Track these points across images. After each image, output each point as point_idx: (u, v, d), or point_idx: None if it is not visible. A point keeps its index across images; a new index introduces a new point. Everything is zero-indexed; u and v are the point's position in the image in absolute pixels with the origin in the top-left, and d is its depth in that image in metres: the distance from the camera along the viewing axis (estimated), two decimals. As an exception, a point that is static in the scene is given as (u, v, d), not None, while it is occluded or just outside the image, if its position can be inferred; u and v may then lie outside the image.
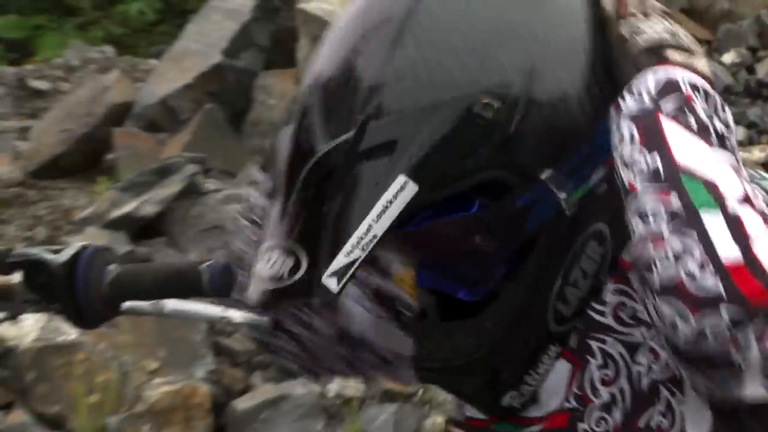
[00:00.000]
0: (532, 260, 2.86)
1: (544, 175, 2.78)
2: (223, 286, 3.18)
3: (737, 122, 9.45)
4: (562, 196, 2.79)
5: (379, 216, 2.66)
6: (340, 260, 2.73)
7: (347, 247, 2.71)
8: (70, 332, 6.85)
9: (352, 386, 7.34)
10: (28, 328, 7.14)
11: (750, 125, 9.76)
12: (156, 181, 8.70)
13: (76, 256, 3.06)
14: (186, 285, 3.22)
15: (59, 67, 12.04)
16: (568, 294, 2.87)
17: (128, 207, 8.56)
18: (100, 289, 3.12)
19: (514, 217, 2.78)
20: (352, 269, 2.69)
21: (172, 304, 3.25)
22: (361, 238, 2.71)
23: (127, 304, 3.20)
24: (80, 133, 9.71)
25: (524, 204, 2.78)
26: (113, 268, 3.15)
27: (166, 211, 8.53)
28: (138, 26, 13.13)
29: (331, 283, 2.67)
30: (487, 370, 3.01)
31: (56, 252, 3.11)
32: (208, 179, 8.67)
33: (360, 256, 2.67)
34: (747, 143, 9.42)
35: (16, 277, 3.12)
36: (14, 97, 11.62)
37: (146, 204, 8.53)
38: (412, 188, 2.65)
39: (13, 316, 3.30)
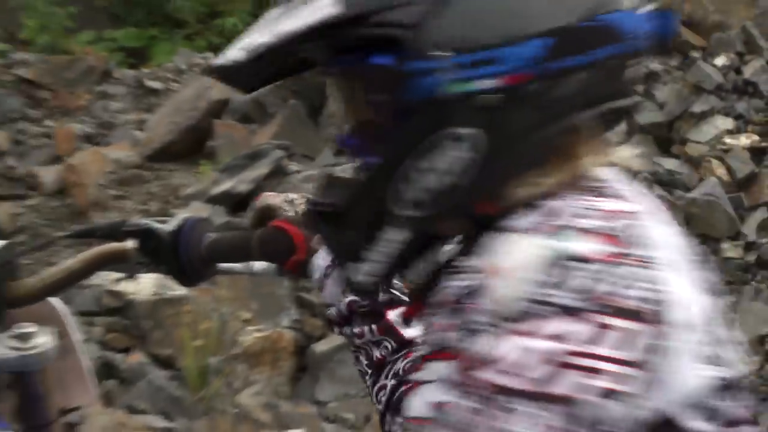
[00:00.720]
0: (395, 132, 2.71)
1: (440, 53, 2.62)
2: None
3: (727, 115, 9.60)
4: (444, 78, 2.61)
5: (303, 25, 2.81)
6: None
7: None
8: (179, 288, 6.98)
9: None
10: (145, 284, 7.24)
11: (738, 117, 9.81)
12: (249, 164, 8.80)
13: (180, 226, 3.21)
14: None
15: (170, 70, 12.17)
16: (412, 177, 2.67)
17: (226, 185, 8.67)
18: (199, 253, 3.27)
19: (399, 78, 2.58)
20: None
21: (258, 265, 3.38)
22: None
23: (223, 265, 3.37)
24: (186, 124, 9.89)
25: (410, 70, 2.58)
26: (210, 236, 3.31)
27: (257, 189, 8.52)
28: (232, 36, 13.20)
29: None
30: (342, 227, 3.21)
31: (163, 222, 3.27)
32: (292, 162, 8.77)
33: None
34: (735, 132, 9.50)
35: (131, 244, 3.27)
36: (133, 95, 11.77)
37: (241, 183, 8.63)
38: (334, 9, 2.54)
39: (131, 276, 3.44)
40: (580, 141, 2.62)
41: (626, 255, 2.46)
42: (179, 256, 3.25)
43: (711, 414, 2.50)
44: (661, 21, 2.76)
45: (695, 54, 10.20)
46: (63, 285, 3.19)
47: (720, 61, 10.42)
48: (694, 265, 2.60)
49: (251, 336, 7.40)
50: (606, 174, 2.67)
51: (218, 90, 9.88)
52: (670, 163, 9.00)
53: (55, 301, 3.23)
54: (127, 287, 7.36)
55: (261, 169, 8.58)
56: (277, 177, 8.50)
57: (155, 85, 11.62)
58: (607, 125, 2.68)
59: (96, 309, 7.48)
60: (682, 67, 10.30)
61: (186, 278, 3.24)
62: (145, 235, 3.28)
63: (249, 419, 7.02)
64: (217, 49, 12.75)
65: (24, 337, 3.12)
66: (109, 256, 3.31)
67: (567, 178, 2.61)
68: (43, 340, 3.12)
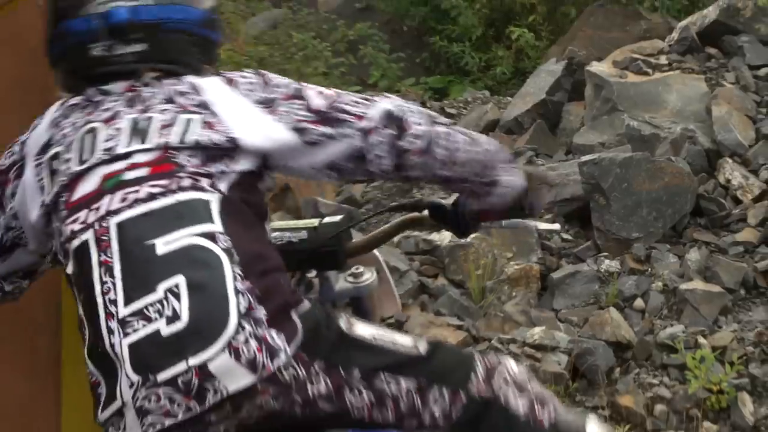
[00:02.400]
0: None
1: None
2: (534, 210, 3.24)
3: None
4: None
5: None
6: None
7: None
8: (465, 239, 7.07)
9: (612, 264, 7.58)
10: (445, 235, 7.33)
11: None
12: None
13: (455, 201, 3.23)
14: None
15: (461, 102, 12.00)
16: None
17: None
18: (467, 214, 3.25)
19: None
20: None
21: (515, 221, 3.38)
22: None
23: (486, 223, 3.37)
24: None
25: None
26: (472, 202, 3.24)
27: None
28: (502, 80, 13.15)
29: None
30: None
31: (444, 199, 3.30)
32: (538, 158, 8.78)
33: None
34: None
35: (426, 213, 3.38)
36: None
37: None
38: None
39: (430, 232, 3.52)
40: None
41: None
42: (458, 219, 3.30)
43: None
44: None
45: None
46: (381, 241, 3.43)
47: None
48: None
49: (512, 267, 7.45)
50: None
51: (492, 113, 9.94)
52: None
53: (376, 252, 3.43)
54: (434, 237, 7.45)
55: (519, 162, 8.67)
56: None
57: (452, 111, 11.53)
58: None
59: (414, 250, 7.55)
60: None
61: (461, 233, 3.38)
62: (436, 208, 3.33)
63: (511, 320, 7.10)
64: (490, 89, 12.80)
65: (357, 275, 3.34)
66: (411, 222, 3.50)
67: None
68: (369, 276, 3.35)
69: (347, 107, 2.68)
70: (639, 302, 7.15)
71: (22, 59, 3.25)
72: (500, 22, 13.75)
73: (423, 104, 12.16)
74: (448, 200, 3.32)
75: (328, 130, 2.65)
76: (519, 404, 2.63)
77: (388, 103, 2.72)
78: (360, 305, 3.34)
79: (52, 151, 2.64)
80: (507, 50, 13.46)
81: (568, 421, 2.73)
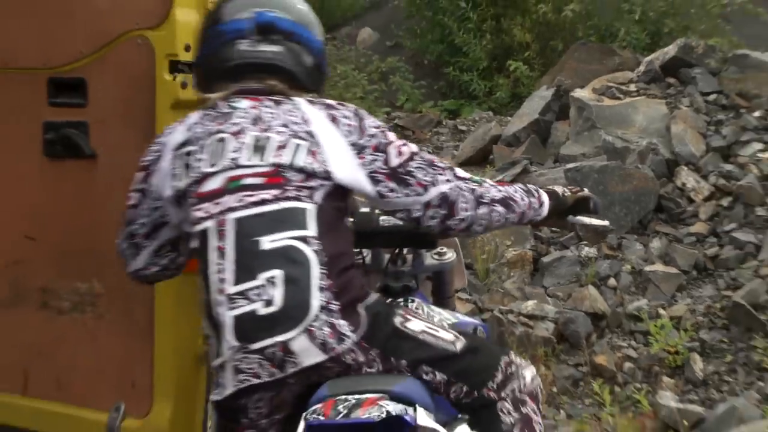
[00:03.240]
0: None
1: None
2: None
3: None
4: None
5: None
6: None
7: None
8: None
9: (591, 251, 7.60)
10: None
11: None
12: (510, 168, 8.57)
13: None
14: None
15: (470, 120, 11.93)
16: None
17: (498, 178, 8.64)
18: None
19: None
20: None
21: (579, 218, 3.25)
22: None
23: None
24: (479, 147, 9.62)
25: None
26: None
27: (514, 180, 8.21)
28: (503, 103, 13.03)
29: None
30: None
31: None
32: (532, 167, 8.75)
33: None
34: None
35: None
36: (452, 133, 11.46)
37: (507, 176, 8.35)
38: None
39: None
40: None
41: None
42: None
43: None
44: None
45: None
46: None
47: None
48: None
49: (510, 253, 7.37)
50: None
51: (495, 130, 9.86)
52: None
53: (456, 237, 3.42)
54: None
55: (516, 170, 8.60)
56: (524, 174, 8.51)
57: (463, 128, 11.48)
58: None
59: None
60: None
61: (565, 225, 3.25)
62: None
63: (509, 295, 7.05)
64: (494, 110, 12.72)
65: (441, 254, 3.39)
66: None
67: None
68: (450, 255, 3.41)
69: (415, 173, 2.72)
70: (612, 281, 7.15)
71: (125, 83, 3.27)
72: (501, 57, 13.70)
73: (439, 122, 12.10)
74: None
75: (395, 186, 2.70)
76: (508, 419, 2.71)
77: (445, 185, 2.74)
78: (441, 278, 3.44)
79: (187, 149, 2.69)
80: (507, 79, 13.41)
81: None
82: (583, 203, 3.13)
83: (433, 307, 2.83)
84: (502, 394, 2.70)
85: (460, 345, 2.65)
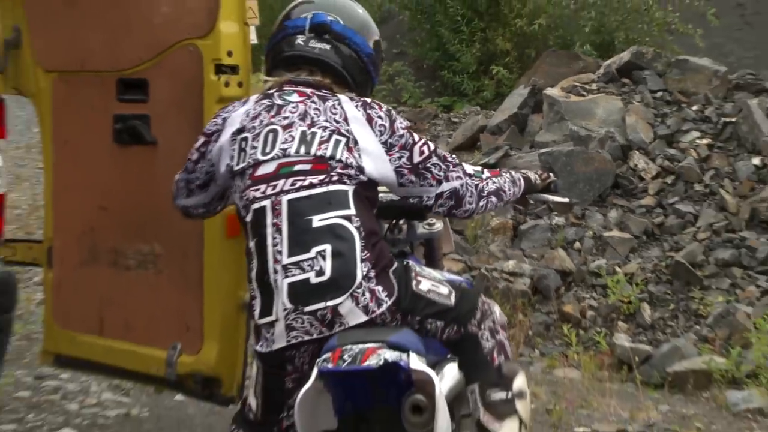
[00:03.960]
0: None
1: None
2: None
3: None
4: None
5: None
6: None
7: None
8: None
9: (560, 220, 7.57)
10: None
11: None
12: (494, 152, 8.55)
13: None
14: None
15: (461, 114, 11.69)
16: None
17: (484, 161, 8.20)
18: None
19: None
20: None
21: (543, 196, 3.24)
22: None
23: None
24: (468, 136, 9.54)
25: None
26: None
27: (497, 163, 8.19)
28: (488, 100, 12.83)
29: None
30: None
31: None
32: (512, 152, 8.63)
33: None
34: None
35: None
36: (446, 125, 11.27)
37: (491, 159, 8.24)
38: None
39: None
40: None
41: None
42: None
43: None
44: None
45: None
46: None
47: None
48: None
49: (494, 221, 7.41)
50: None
51: (482, 121, 9.68)
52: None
53: None
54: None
55: (499, 154, 8.52)
56: (505, 157, 8.48)
57: (456, 120, 11.39)
58: None
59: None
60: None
61: (534, 203, 3.30)
62: None
63: (493, 256, 7.03)
64: (481, 106, 12.65)
65: (431, 224, 3.33)
66: None
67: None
68: (438, 225, 3.34)
69: (432, 168, 2.71)
70: (577, 244, 7.17)
71: (179, 83, 3.27)
72: (487, 62, 13.68)
73: (436, 116, 12.02)
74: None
75: (414, 178, 2.70)
76: (487, 345, 2.76)
77: (456, 182, 2.75)
78: (431, 244, 3.39)
79: (243, 135, 2.67)
80: (491, 80, 13.38)
81: (509, 366, 2.80)
82: (548, 186, 3.14)
83: (425, 268, 2.81)
84: (482, 327, 2.75)
85: (453, 298, 2.66)
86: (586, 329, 6.32)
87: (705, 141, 7.77)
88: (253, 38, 11.55)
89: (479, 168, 2.89)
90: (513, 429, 2.66)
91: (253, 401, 2.61)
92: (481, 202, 2.79)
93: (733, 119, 7.80)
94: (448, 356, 2.72)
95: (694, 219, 7.12)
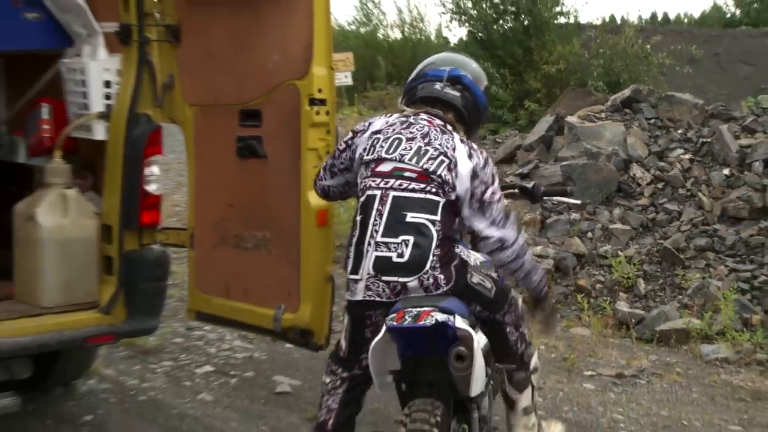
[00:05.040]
0: None
1: None
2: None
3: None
4: None
5: None
6: None
7: None
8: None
9: (576, 216, 7.45)
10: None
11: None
12: (525, 165, 8.41)
13: (534, 184, 3.17)
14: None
15: (503, 136, 11.56)
16: None
17: (518, 171, 8.74)
18: (536, 194, 3.16)
19: None
20: None
21: (558, 198, 3.35)
22: None
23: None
24: (507, 152, 9.36)
25: None
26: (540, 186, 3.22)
27: (529, 174, 8.29)
28: (523, 126, 12.60)
29: None
30: None
31: (527, 184, 3.18)
32: (541, 164, 8.48)
33: None
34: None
35: (516, 190, 3.21)
36: (492, 143, 10.97)
37: (524, 170, 8.71)
38: None
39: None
40: None
41: None
42: (535, 196, 3.13)
43: None
44: None
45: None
46: None
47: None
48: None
49: (527, 216, 7.24)
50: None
51: (518, 141, 9.50)
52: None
53: None
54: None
55: (531, 165, 8.32)
56: (535, 169, 8.32)
57: (499, 140, 11.03)
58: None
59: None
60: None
61: (534, 202, 3.29)
62: (522, 188, 3.17)
63: (526, 242, 7.08)
64: (518, 129, 12.42)
65: None
66: (510, 194, 3.19)
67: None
68: None
69: (494, 210, 2.62)
70: (589, 234, 7.04)
71: (283, 112, 3.28)
72: (521, 97, 13.65)
73: (484, 137, 11.90)
74: (529, 185, 3.18)
75: (478, 207, 2.62)
76: (512, 337, 2.79)
77: (511, 234, 2.65)
78: (476, 233, 3.24)
79: (377, 135, 2.66)
80: (525, 111, 13.32)
81: (528, 352, 2.87)
82: (566, 192, 3.12)
83: (471, 251, 2.77)
84: (506, 319, 2.74)
85: (493, 292, 2.64)
86: (595, 298, 6.22)
87: (687, 156, 7.62)
88: (349, 81, 11.50)
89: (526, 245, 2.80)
90: (528, 395, 2.72)
91: (343, 343, 2.63)
92: (516, 261, 2.67)
93: (709, 140, 7.64)
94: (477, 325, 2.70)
95: (679, 215, 7.01)
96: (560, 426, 2.86)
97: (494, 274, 2.77)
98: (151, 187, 3.35)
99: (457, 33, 25.70)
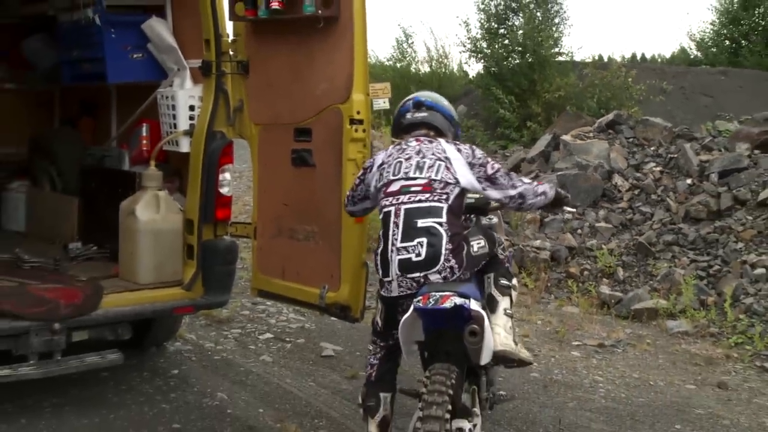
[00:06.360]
0: None
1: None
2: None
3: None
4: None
5: None
6: None
7: None
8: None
9: (569, 215, 7.41)
10: None
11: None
12: (528, 175, 8.26)
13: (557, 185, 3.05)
14: None
15: (511, 150, 11.42)
16: None
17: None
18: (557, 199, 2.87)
19: None
20: None
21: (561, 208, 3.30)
22: None
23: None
24: (513, 164, 9.06)
25: None
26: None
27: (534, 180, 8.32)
28: (526, 143, 12.48)
29: None
30: None
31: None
32: (541, 174, 8.25)
33: None
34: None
35: None
36: (501, 157, 11.06)
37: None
38: None
39: None
40: None
41: None
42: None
43: None
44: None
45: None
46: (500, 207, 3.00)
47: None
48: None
49: (530, 216, 7.05)
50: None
51: (523, 154, 9.34)
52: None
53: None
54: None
55: (532, 175, 8.13)
56: (535, 178, 8.17)
57: (507, 154, 11.08)
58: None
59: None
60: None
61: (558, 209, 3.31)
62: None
63: (528, 237, 6.91)
64: (523, 145, 12.25)
65: (489, 218, 3.09)
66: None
67: None
68: (495, 219, 3.12)
69: (500, 179, 2.63)
70: (579, 231, 6.92)
71: (329, 130, 3.23)
72: (525, 119, 13.53)
73: (495, 152, 11.82)
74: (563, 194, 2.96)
75: (489, 185, 2.62)
76: (501, 256, 2.81)
77: (521, 188, 2.66)
78: (490, 231, 3.20)
79: (383, 167, 2.65)
80: (528, 130, 13.21)
81: (512, 272, 2.87)
82: (564, 201, 2.92)
83: (472, 230, 2.74)
84: (498, 249, 2.78)
85: (487, 246, 2.64)
86: (583, 282, 6.13)
87: (658, 168, 7.46)
88: (387, 105, 11.37)
89: (530, 179, 2.82)
90: (508, 301, 2.69)
91: (379, 322, 2.62)
92: (536, 199, 2.68)
93: (675, 155, 7.47)
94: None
95: (651, 216, 6.87)
96: (527, 352, 2.81)
97: (483, 228, 2.78)
98: (224, 190, 3.40)
99: (474, 67, 25.47)
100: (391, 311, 2.53)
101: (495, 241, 2.73)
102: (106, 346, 3.10)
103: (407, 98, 2.87)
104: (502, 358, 2.56)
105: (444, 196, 2.49)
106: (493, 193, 2.61)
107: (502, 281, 2.68)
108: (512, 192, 2.62)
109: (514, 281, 2.79)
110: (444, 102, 2.87)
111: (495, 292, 2.66)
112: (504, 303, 2.67)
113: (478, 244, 2.57)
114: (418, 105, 2.79)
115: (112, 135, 4.18)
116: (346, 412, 3.33)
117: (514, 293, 2.75)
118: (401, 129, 2.81)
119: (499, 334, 2.57)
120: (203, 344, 4.23)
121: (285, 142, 3.38)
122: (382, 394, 2.56)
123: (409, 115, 2.78)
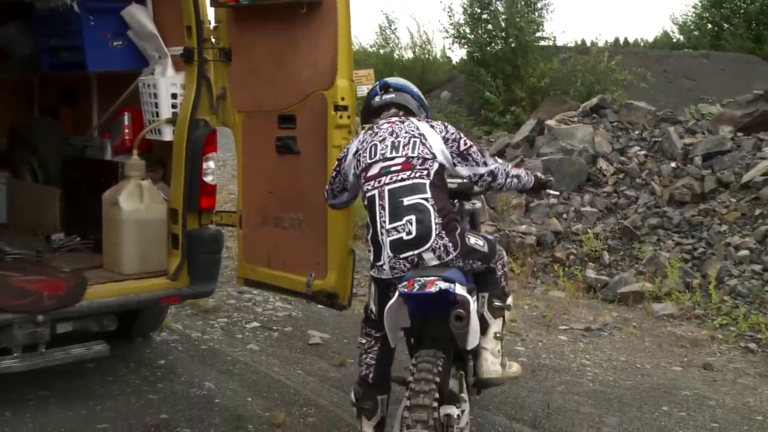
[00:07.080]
0: None
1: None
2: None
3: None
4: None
5: None
6: None
7: None
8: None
9: (554, 200, 7.45)
10: None
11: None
12: (512, 160, 8.32)
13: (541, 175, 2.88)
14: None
15: (495, 135, 11.39)
16: None
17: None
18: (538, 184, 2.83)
19: None
20: None
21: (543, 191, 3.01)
22: None
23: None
24: (498, 149, 9.16)
25: None
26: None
27: (518, 165, 8.33)
28: (511, 128, 12.50)
29: None
30: None
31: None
32: (525, 159, 8.29)
33: None
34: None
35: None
36: (486, 142, 11.17)
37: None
38: None
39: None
40: None
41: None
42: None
43: None
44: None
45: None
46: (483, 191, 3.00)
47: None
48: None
49: (514, 200, 7.11)
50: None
51: (507, 140, 9.35)
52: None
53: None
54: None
55: (517, 160, 8.15)
56: (521, 163, 8.23)
57: (492, 139, 11.06)
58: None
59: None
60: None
61: (538, 193, 3.26)
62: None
63: (514, 222, 6.94)
64: (507, 131, 12.28)
65: (473, 203, 3.09)
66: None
67: None
68: (478, 204, 3.15)
69: (473, 155, 2.59)
70: (564, 215, 6.96)
71: (313, 116, 3.19)
72: (510, 104, 13.54)
73: (480, 137, 11.80)
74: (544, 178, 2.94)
75: (460, 161, 2.59)
76: (499, 273, 2.71)
77: (493, 165, 2.63)
78: (474, 215, 3.17)
79: (359, 154, 2.61)
80: (513, 115, 13.22)
81: (508, 290, 2.79)
82: (548, 184, 2.92)
83: (470, 230, 2.73)
84: (497, 264, 2.69)
85: (486, 247, 2.60)
86: (569, 267, 6.16)
87: (642, 152, 7.51)
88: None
89: (506, 162, 2.80)
90: (499, 323, 2.66)
91: (373, 308, 2.58)
92: (507, 180, 2.64)
93: (659, 139, 7.52)
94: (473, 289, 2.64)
95: (636, 200, 6.92)
96: (517, 366, 2.80)
97: (488, 237, 2.74)
98: (208, 178, 3.37)
99: (457, 53, 25.39)
100: (384, 294, 2.51)
101: (496, 252, 2.68)
102: (92, 337, 3.07)
103: (374, 84, 2.93)
104: (487, 384, 2.63)
105: (425, 172, 2.46)
106: (463, 170, 2.58)
107: (495, 303, 2.66)
108: (482, 170, 2.58)
109: (509, 300, 2.76)
110: (412, 85, 2.88)
111: (487, 314, 2.64)
112: (495, 326, 2.65)
113: (476, 240, 2.55)
114: (385, 86, 2.81)
115: (93, 124, 4.13)
116: (334, 399, 3.33)
117: (507, 314, 2.72)
118: (371, 112, 2.81)
119: (486, 359, 2.57)
120: (190, 334, 4.21)
121: (269, 129, 3.34)
122: (379, 397, 2.54)
123: (377, 98, 2.79)
